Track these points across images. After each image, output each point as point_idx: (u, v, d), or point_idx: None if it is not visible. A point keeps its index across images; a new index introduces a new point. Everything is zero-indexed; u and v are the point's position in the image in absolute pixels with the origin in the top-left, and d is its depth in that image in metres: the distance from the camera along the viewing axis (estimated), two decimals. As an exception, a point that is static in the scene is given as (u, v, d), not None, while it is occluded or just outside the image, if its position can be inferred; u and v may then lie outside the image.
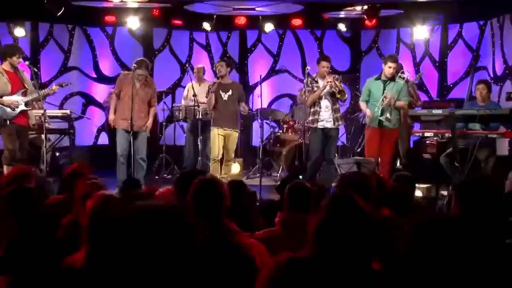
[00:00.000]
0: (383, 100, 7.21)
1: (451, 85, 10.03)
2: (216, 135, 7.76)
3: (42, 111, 8.09)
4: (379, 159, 7.39)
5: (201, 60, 10.57)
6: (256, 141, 10.02)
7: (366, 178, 3.62)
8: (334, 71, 10.61)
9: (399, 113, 7.45)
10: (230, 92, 7.78)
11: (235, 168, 8.86)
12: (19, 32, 9.16)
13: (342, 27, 10.03)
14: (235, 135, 7.87)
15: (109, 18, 9.94)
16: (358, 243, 2.00)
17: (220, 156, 7.78)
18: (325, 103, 7.49)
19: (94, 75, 10.48)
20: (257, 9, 9.45)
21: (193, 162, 8.94)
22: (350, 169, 6.47)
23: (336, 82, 7.36)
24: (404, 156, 8.20)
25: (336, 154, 8.87)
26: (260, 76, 8.99)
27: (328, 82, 7.32)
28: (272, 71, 10.85)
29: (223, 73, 7.76)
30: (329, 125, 7.49)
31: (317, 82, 7.55)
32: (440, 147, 7.80)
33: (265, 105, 10.62)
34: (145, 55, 10.59)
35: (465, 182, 2.84)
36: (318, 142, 7.48)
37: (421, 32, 9.89)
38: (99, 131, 10.51)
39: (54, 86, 7.40)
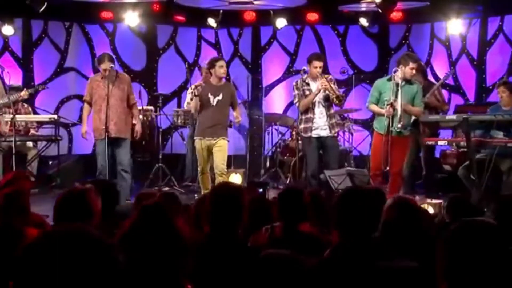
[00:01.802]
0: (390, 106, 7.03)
1: (491, 87, 9.69)
2: (199, 147, 7.49)
3: (27, 116, 8.38)
4: (390, 170, 7.24)
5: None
6: (264, 149, 9.96)
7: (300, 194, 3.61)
8: (359, 71, 10.58)
9: (411, 118, 7.26)
10: (220, 96, 7.46)
11: (236, 180, 8.83)
12: (8, 30, 9.44)
13: (363, 21, 9.87)
14: (222, 143, 7.51)
15: (106, 14, 10.11)
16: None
17: (207, 169, 7.59)
18: (319, 109, 7.37)
19: (93, 77, 10.67)
20: (256, 2, 9.41)
21: (196, 172, 8.95)
22: (343, 181, 6.37)
23: (331, 84, 7.21)
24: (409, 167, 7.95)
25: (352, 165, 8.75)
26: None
27: (322, 85, 7.18)
28: (289, 72, 10.78)
29: (225, 74, 7.59)
30: (324, 133, 7.36)
31: (308, 84, 7.42)
32: (460, 157, 7.56)
33: (280, 110, 10.58)
34: (148, 55, 10.84)
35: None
36: (313, 153, 7.37)
37: (456, 26, 9.63)
38: (98, 139, 10.71)
39: (23, 92, 7.56)
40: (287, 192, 3.68)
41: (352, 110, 9.42)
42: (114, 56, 10.48)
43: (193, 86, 7.72)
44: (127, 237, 2.03)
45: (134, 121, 7.89)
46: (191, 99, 7.86)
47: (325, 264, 2.43)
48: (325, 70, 10.51)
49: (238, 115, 7.68)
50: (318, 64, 7.33)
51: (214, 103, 7.47)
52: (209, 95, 7.50)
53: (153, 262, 1.97)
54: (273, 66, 10.80)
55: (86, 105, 7.64)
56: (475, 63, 9.90)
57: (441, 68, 10.06)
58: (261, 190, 6.43)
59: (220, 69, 7.39)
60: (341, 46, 10.73)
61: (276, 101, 10.78)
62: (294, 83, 7.56)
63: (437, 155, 8.61)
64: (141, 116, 9.18)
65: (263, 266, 1.88)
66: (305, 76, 7.44)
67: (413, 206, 3.04)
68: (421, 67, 8.30)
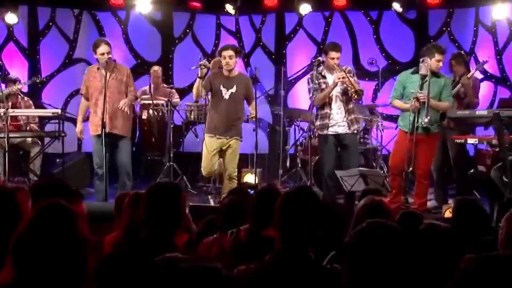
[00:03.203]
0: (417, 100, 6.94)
1: (542, 79, 9.46)
2: (209, 147, 7.40)
3: (23, 111, 8.55)
4: (416, 172, 7.16)
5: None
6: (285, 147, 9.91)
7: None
8: (394, 62, 10.45)
9: (438, 114, 7.16)
10: (233, 89, 7.38)
11: (251, 180, 8.83)
12: (12, 18, 9.65)
13: (397, 6, 9.73)
14: (235, 145, 7.47)
15: (118, 0, 10.22)
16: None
17: (213, 172, 7.56)
18: (336, 103, 7.33)
19: (105, 68, 10.81)
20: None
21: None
22: (355, 183, 6.33)
23: (350, 77, 7.15)
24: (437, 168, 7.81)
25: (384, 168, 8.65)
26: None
27: (339, 78, 7.12)
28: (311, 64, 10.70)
29: (232, 66, 7.36)
30: (342, 130, 7.34)
31: (324, 77, 7.38)
32: (496, 157, 7.40)
33: (306, 105, 10.51)
34: (163, 44, 10.92)
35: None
36: (330, 152, 7.35)
37: (502, 11, 9.42)
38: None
39: (14, 86, 7.67)
40: (264, 193, 3.66)
41: (379, 105, 9.30)
42: (126, 46, 10.80)
43: (200, 63, 7.49)
44: (21, 239, 2.04)
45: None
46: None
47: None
48: (356, 61, 10.59)
49: (254, 111, 7.61)
50: (335, 55, 7.28)
51: (227, 97, 7.41)
52: (221, 88, 7.42)
53: (47, 266, 1.99)
54: (298, 57, 10.74)
55: (83, 100, 7.71)
56: (523, 52, 9.68)
57: (486, 58, 9.84)
58: (252, 192, 6.40)
59: (223, 60, 7.33)
60: (374, 34, 10.61)
61: (302, 94, 10.69)
62: (309, 76, 7.53)
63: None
64: (151, 111, 9.32)
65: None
66: (320, 68, 7.40)
67: (383, 208, 3.00)
68: (462, 58, 8.16)
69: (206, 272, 1.91)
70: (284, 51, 10.90)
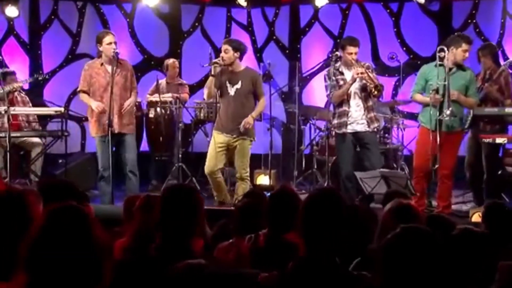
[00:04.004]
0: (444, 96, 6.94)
1: None
2: (214, 143, 7.40)
3: (25, 109, 8.56)
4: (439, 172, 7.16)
5: (241, 43, 10.63)
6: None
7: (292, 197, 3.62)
8: (416, 56, 10.42)
9: (462, 108, 7.16)
10: (239, 84, 7.35)
11: (265, 181, 8.84)
12: (12, 11, 9.69)
13: (420, -2, 9.72)
14: (245, 144, 7.44)
15: (123, -7, 10.27)
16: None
17: (214, 171, 7.47)
18: (355, 100, 7.32)
19: (109, 64, 10.84)
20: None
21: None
22: (376, 185, 6.33)
23: (369, 73, 7.15)
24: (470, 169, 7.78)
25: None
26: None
27: (358, 74, 7.12)
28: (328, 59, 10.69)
29: (228, 61, 7.33)
30: (361, 128, 7.34)
31: (342, 73, 7.39)
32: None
33: (321, 102, 10.51)
34: (171, 39, 10.93)
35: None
36: (348, 151, 7.34)
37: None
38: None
39: (16, 84, 7.68)
40: (279, 194, 3.67)
41: (401, 102, 9.27)
42: (133, 41, 10.82)
43: (213, 61, 7.44)
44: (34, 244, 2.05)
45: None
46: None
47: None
48: (375, 56, 10.57)
49: (259, 108, 7.52)
50: (353, 50, 7.28)
51: (232, 93, 7.39)
52: (227, 84, 7.41)
53: (62, 272, 1.99)
54: (314, 51, 10.74)
55: (83, 94, 7.62)
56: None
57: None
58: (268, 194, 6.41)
59: (221, 53, 7.36)
60: (395, 27, 10.58)
61: (317, 91, 10.69)
62: (325, 72, 7.54)
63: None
64: (158, 109, 9.33)
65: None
66: (338, 64, 7.40)
67: (411, 213, 3.00)
68: (490, 50, 8.08)
69: (235, 280, 1.92)
70: (298, 46, 10.89)
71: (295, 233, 3.44)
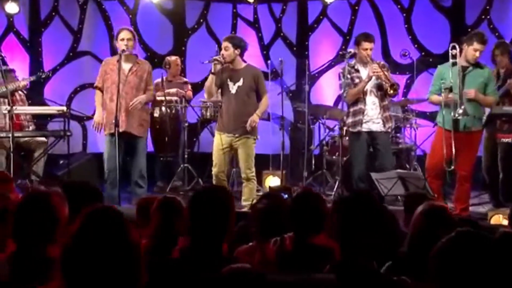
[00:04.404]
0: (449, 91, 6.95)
1: None
2: (218, 142, 7.46)
3: (26, 108, 8.54)
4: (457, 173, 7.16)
5: (247, 40, 10.57)
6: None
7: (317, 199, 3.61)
8: (427, 53, 10.41)
9: (479, 107, 7.15)
10: (240, 82, 7.35)
11: (274, 183, 8.83)
12: (12, 7, 9.68)
13: (432, -7, 9.71)
14: (249, 143, 7.43)
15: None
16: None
17: (222, 171, 7.49)
18: (371, 98, 7.34)
19: (112, 62, 10.82)
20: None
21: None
22: (393, 186, 6.32)
23: (385, 71, 7.16)
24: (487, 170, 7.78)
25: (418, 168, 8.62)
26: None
27: (374, 72, 7.12)
28: (342, 56, 10.66)
29: (228, 58, 7.30)
30: (377, 127, 7.39)
31: (358, 71, 7.40)
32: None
33: (330, 101, 10.51)
34: (175, 35, 10.91)
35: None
36: (362, 150, 7.37)
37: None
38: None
39: (20, 82, 7.66)
40: (302, 196, 3.66)
41: (414, 101, 9.25)
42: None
43: (213, 58, 7.42)
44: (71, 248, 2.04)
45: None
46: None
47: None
48: (386, 53, 10.55)
49: (263, 106, 7.50)
50: (368, 45, 7.30)
51: (234, 91, 7.38)
52: (228, 82, 7.41)
53: (101, 277, 1.98)
54: (322, 49, 10.72)
55: (98, 92, 7.65)
56: None
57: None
58: (286, 196, 6.40)
59: (221, 51, 7.35)
60: (405, 23, 10.55)
61: (326, 90, 10.70)
62: (340, 70, 7.54)
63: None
64: (163, 108, 9.30)
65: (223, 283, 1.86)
66: (353, 62, 7.40)
67: (445, 216, 2.98)
68: (505, 48, 8.10)
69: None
70: (306, 43, 10.86)
71: (323, 236, 3.45)
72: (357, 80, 7.35)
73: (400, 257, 3.06)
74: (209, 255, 2.63)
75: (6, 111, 7.31)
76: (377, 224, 2.60)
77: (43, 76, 8.17)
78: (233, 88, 7.36)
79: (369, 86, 7.31)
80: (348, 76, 7.38)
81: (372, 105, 7.35)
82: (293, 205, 3.60)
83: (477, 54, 7.09)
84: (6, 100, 7.73)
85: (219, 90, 7.60)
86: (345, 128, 7.65)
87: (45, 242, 2.68)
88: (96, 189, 3.97)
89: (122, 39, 7.33)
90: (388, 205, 6.43)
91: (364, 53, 7.29)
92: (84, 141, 10.85)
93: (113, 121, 7.24)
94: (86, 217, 2.06)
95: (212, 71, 7.35)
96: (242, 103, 7.35)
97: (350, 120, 7.43)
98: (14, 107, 7.41)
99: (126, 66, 7.39)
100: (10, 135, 7.27)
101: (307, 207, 3.50)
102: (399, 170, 6.73)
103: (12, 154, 7.45)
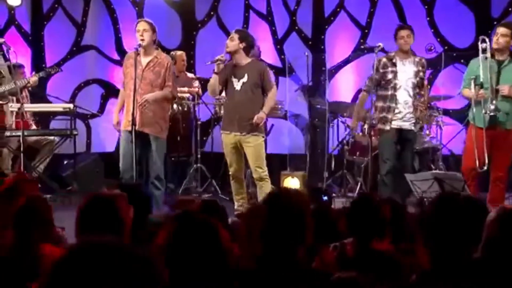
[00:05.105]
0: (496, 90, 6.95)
1: None
2: (226, 142, 7.45)
3: (32, 105, 8.51)
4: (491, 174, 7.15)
5: (259, 34, 10.56)
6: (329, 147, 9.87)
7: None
8: (451, 48, 10.39)
9: None
10: (245, 78, 7.29)
11: (293, 184, 8.80)
12: (13, 0, 9.63)
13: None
14: (258, 141, 7.39)
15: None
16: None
17: (239, 170, 7.48)
18: (403, 97, 7.37)
19: (117, 57, 10.80)
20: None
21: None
22: (429, 188, 6.30)
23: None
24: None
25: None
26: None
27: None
28: (359, 49, 10.66)
29: (231, 48, 7.27)
30: (407, 125, 7.44)
31: (394, 64, 7.43)
32: None
33: (348, 98, 10.48)
34: (184, 29, 10.88)
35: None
36: (390, 148, 7.40)
37: None
38: (123, 133, 10.82)
39: (32, 77, 7.61)
40: (361, 201, 3.65)
41: (440, 97, 9.24)
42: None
43: (216, 58, 7.40)
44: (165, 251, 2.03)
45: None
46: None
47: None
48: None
49: (270, 102, 7.45)
50: (404, 32, 7.48)
51: (238, 88, 7.35)
52: (233, 78, 7.38)
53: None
54: (339, 43, 10.70)
55: (121, 91, 7.58)
56: None
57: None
58: (325, 198, 6.40)
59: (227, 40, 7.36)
60: (428, 16, 10.52)
61: (343, 86, 10.68)
62: (376, 60, 7.45)
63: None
64: (175, 106, 9.24)
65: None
66: (392, 53, 7.47)
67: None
68: None
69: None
70: (322, 37, 10.82)
71: (386, 241, 3.43)
72: (390, 76, 7.37)
73: (475, 262, 3.03)
74: (284, 262, 2.60)
75: (16, 109, 7.25)
76: (476, 229, 2.59)
77: (53, 72, 8.11)
78: (237, 84, 7.34)
79: (403, 84, 7.38)
80: (381, 70, 7.37)
81: (404, 104, 7.41)
82: (351, 210, 3.59)
83: (504, 40, 7.03)
84: (14, 98, 7.68)
85: (222, 88, 7.59)
86: (373, 122, 7.63)
87: None
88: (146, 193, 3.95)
89: (138, 31, 7.24)
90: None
91: (401, 41, 7.42)
92: (88, 140, 10.80)
93: (130, 119, 7.13)
94: (179, 223, 2.05)
95: (216, 71, 7.36)
96: (248, 100, 7.31)
97: (378, 115, 7.45)
98: (24, 105, 7.40)
99: (144, 61, 7.25)
100: (20, 133, 7.20)
101: (367, 213, 3.49)
102: (435, 171, 6.71)
103: (22, 154, 7.37)
